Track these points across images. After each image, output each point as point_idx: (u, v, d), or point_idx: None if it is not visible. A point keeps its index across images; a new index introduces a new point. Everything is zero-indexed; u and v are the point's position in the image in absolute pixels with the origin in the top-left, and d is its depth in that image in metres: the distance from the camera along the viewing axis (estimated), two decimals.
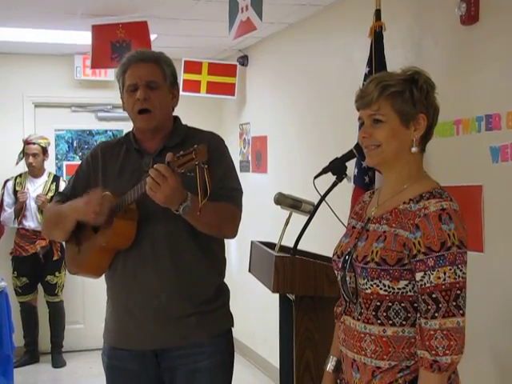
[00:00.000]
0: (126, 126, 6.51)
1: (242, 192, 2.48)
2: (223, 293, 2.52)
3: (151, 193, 2.11)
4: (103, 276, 2.57)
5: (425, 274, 1.77)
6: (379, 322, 1.85)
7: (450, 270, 1.74)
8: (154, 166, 2.11)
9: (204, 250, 2.41)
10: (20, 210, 5.83)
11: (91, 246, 2.42)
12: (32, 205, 5.84)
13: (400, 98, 1.85)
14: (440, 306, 1.75)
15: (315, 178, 2.50)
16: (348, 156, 2.56)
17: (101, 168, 2.50)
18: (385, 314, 1.84)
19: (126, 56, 2.48)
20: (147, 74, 2.39)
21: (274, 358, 4.61)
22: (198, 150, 2.03)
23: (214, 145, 2.41)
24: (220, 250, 2.53)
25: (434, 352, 1.75)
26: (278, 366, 2.94)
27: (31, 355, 6.01)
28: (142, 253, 2.36)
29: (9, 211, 5.86)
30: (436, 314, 1.75)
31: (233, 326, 2.54)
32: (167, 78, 2.45)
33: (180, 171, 2.08)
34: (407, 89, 1.85)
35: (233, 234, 2.45)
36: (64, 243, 2.62)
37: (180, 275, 2.36)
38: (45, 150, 5.91)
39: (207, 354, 2.39)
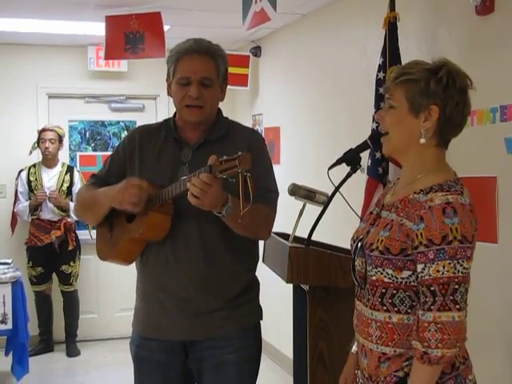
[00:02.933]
0: (140, 117, 6.56)
1: (278, 194, 2.45)
2: (253, 286, 2.50)
3: (196, 200, 2.09)
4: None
5: (425, 266, 1.77)
6: (385, 308, 1.86)
7: (450, 264, 1.74)
8: (200, 175, 2.07)
9: (236, 246, 2.38)
10: (36, 207, 5.85)
11: (124, 235, 2.40)
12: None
13: (414, 86, 1.85)
14: (436, 299, 1.75)
15: (329, 168, 2.50)
16: (362, 147, 2.55)
17: (138, 152, 2.46)
18: (390, 301, 1.85)
19: (182, 43, 2.40)
20: (202, 70, 2.33)
21: (287, 348, 4.63)
22: (241, 158, 1.99)
23: (253, 143, 2.39)
24: (254, 247, 2.49)
25: (425, 344, 1.75)
26: (292, 357, 2.95)
27: (46, 344, 6.05)
28: (175, 246, 2.35)
29: (24, 204, 5.88)
30: (432, 307, 1.75)
31: (261, 318, 2.52)
32: (220, 75, 2.39)
33: (222, 177, 2.05)
34: (424, 78, 1.84)
35: (267, 236, 2.44)
36: (95, 228, 2.59)
37: (211, 271, 2.35)
38: (61, 139, 5.96)
39: (235, 346, 2.38)
